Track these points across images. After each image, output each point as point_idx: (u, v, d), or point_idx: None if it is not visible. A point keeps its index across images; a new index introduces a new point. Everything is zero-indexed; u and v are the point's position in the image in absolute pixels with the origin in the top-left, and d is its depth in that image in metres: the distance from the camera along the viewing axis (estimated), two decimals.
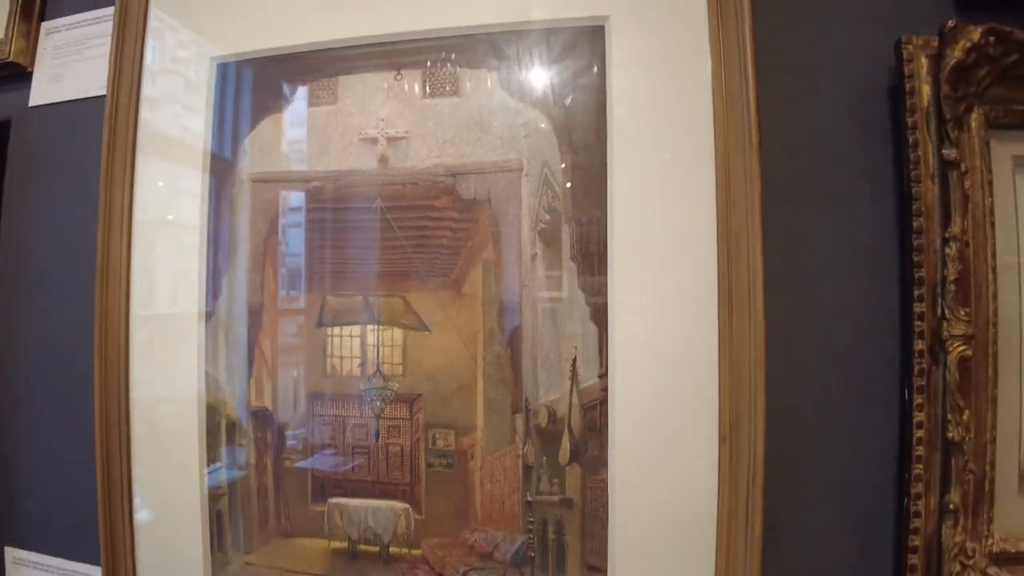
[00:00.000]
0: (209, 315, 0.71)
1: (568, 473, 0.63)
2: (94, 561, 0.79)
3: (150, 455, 0.74)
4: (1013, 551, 0.63)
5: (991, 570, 0.62)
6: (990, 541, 0.62)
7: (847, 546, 0.64)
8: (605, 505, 0.61)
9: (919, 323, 0.61)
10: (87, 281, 0.75)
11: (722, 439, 0.60)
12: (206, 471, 0.71)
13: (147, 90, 0.75)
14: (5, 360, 0.87)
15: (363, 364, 0.67)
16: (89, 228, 0.76)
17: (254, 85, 0.72)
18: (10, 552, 0.87)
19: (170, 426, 0.73)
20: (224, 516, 0.71)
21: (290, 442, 0.69)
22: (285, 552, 0.70)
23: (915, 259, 0.61)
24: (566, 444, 0.63)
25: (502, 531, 0.64)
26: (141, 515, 0.74)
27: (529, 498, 0.63)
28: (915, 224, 0.61)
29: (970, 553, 0.62)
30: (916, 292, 0.61)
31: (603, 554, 0.62)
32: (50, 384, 0.85)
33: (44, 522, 0.85)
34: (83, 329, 0.77)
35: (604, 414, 0.61)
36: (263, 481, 0.70)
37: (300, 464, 0.68)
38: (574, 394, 0.63)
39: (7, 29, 0.87)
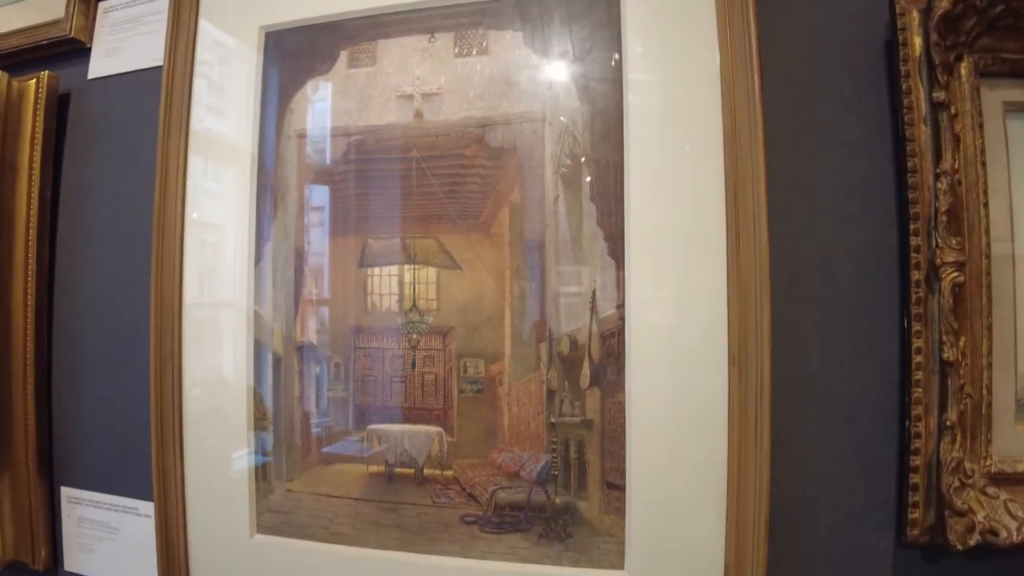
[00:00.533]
0: (258, 259, 0.77)
1: (588, 396, 0.68)
2: (146, 496, 0.86)
3: (200, 392, 0.80)
4: (1011, 471, 0.67)
5: (990, 489, 0.66)
6: (988, 462, 0.66)
7: (851, 463, 0.69)
8: (623, 425, 0.67)
9: (915, 255, 0.66)
10: (144, 234, 0.82)
11: (731, 359, 0.65)
12: (252, 405, 0.77)
13: (200, 56, 0.82)
14: (66, 316, 0.94)
15: (400, 300, 0.73)
16: (145, 185, 0.83)
17: (299, 50, 0.79)
18: (65, 491, 0.93)
19: (220, 364, 0.79)
20: (268, 446, 0.77)
21: (332, 374, 0.75)
22: (325, 478, 0.75)
23: (910, 196, 0.66)
24: (586, 369, 0.68)
25: (527, 451, 0.69)
26: (190, 449, 0.80)
27: (552, 420, 0.69)
28: (909, 164, 0.66)
29: (969, 472, 0.66)
30: (912, 226, 0.66)
31: (621, 471, 0.67)
32: (105, 337, 0.92)
33: (97, 464, 0.92)
34: (138, 285, 0.84)
35: (621, 341, 0.67)
36: (306, 411, 0.76)
37: (342, 394, 0.74)
38: (594, 324, 0.68)
39: (67, 8, 0.95)
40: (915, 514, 0.67)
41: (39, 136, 0.91)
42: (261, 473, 0.77)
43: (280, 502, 0.77)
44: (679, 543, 0.66)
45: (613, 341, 0.67)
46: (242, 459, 0.78)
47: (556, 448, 0.69)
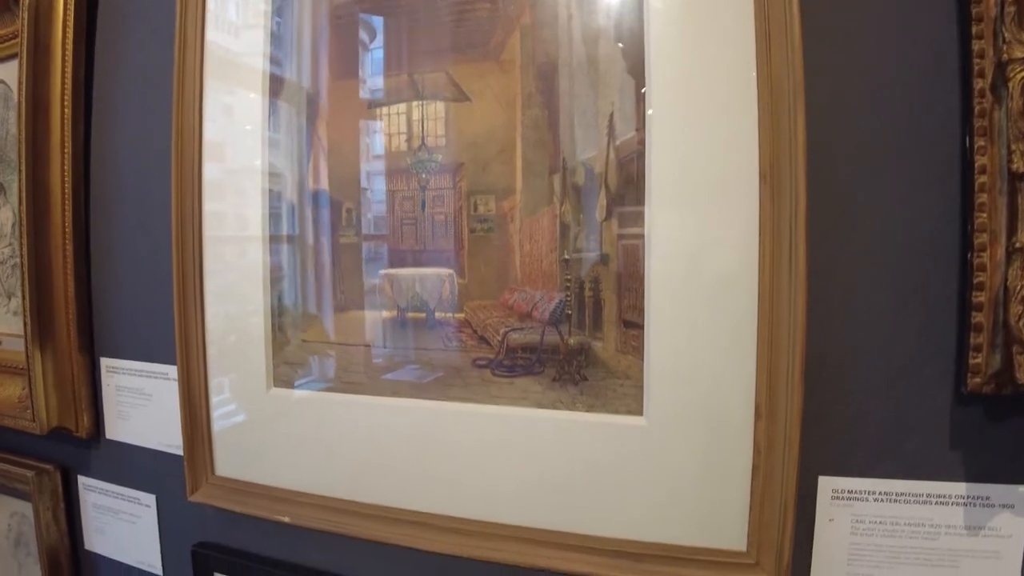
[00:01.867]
0: (272, 107, 0.76)
1: (604, 229, 0.64)
2: (171, 361, 0.88)
3: (220, 249, 0.80)
4: None
5: None
6: None
7: (902, 304, 0.61)
8: (642, 259, 0.62)
9: (978, 61, 0.58)
10: (166, 110, 0.83)
11: (762, 178, 0.59)
12: (268, 257, 0.76)
13: None
14: (102, 191, 0.97)
15: (409, 139, 0.70)
16: (169, 61, 0.84)
17: None
18: (104, 362, 0.97)
19: (238, 219, 0.79)
20: (283, 298, 0.77)
21: (344, 220, 0.73)
22: (340, 327, 0.74)
23: None
24: (603, 200, 0.64)
25: (540, 291, 0.66)
26: (211, 307, 0.81)
27: (566, 256, 0.65)
28: None
29: None
30: (974, 28, 0.58)
31: (640, 309, 0.62)
32: (136, 210, 0.94)
33: (133, 334, 0.95)
34: (166, 156, 0.85)
35: (641, 167, 0.62)
36: (320, 260, 0.75)
37: (354, 240, 0.73)
38: (611, 149, 0.63)
39: None
40: (977, 359, 0.59)
41: (71, 16, 0.94)
42: (277, 325, 0.77)
43: (295, 353, 0.77)
44: (703, 386, 0.61)
45: (632, 167, 0.62)
46: (258, 313, 0.78)
47: (570, 286, 0.65)
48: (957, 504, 0.61)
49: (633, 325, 0.63)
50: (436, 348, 0.69)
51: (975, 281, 0.59)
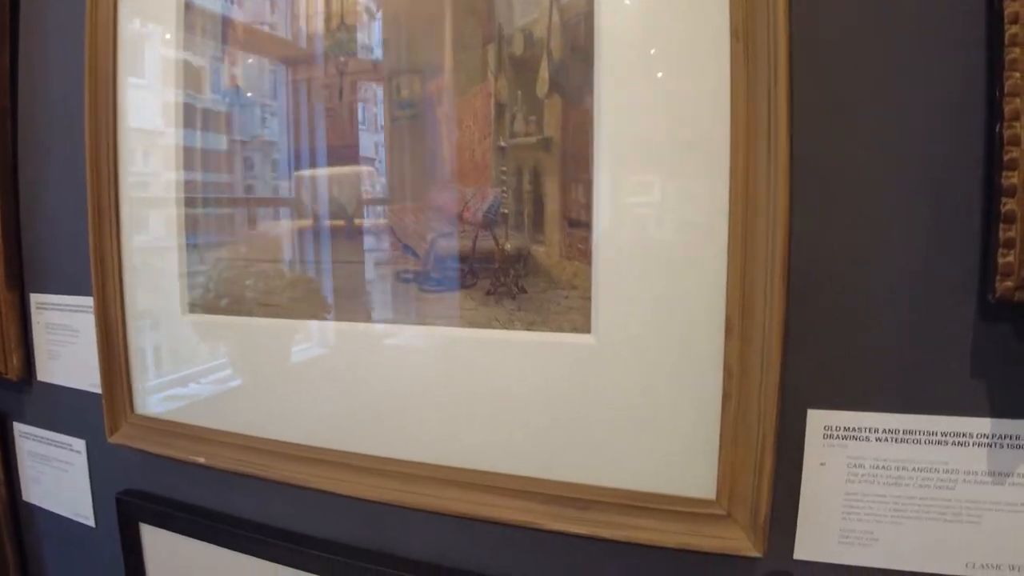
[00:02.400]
0: (188, 6, 0.67)
1: (547, 107, 0.53)
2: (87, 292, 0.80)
3: (134, 164, 0.72)
4: None
5: None
6: None
7: (912, 193, 0.49)
8: (590, 142, 0.51)
9: None
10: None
11: (734, 35, 0.47)
12: (182, 172, 0.67)
13: None
14: (29, 125, 0.89)
15: (328, 19, 0.60)
16: None
17: None
18: (34, 298, 0.90)
19: (152, 126, 0.70)
20: (197, 213, 0.68)
21: (260, 118, 0.64)
22: (254, 243, 0.65)
23: None
24: (544, 72, 0.53)
25: (472, 187, 0.55)
26: (126, 229, 0.73)
27: (502, 143, 0.54)
28: None
29: None
30: None
31: (587, 205, 0.51)
32: (63, 141, 0.86)
33: (60, 267, 0.87)
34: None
35: (589, 28, 0.50)
36: (232, 166, 0.65)
37: (268, 140, 0.63)
38: (554, 11, 0.52)
39: None
40: (1008, 256, 0.46)
41: None
42: (192, 244, 0.69)
43: (209, 275, 0.68)
44: (662, 296, 0.50)
45: (579, 31, 0.51)
46: (171, 231, 0.69)
47: (506, 179, 0.54)
48: (979, 445, 0.49)
49: (579, 224, 0.52)
50: (355, 261, 0.60)
51: (1006, 158, 0.46)
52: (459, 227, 0.56)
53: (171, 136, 0.68)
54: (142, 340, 0.73)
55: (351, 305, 0.60)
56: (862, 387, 0.51)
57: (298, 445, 0.64)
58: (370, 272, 0.59)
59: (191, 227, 0.68)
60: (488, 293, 0.55)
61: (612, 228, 0.51)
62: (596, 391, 0.52)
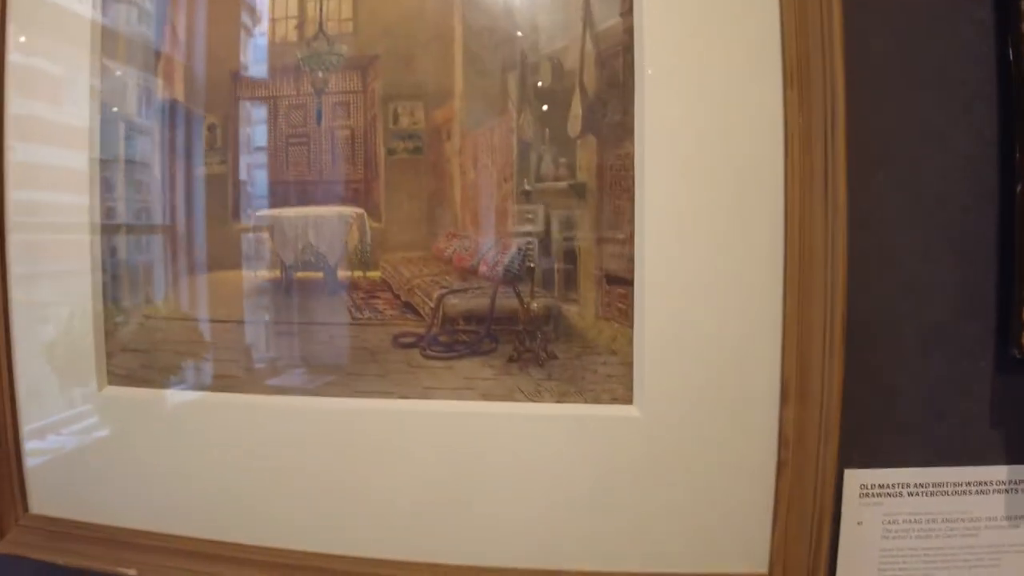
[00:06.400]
0: None
1: (580, 149, 0.46)
2: None
3: (27, 183, 0.55)
4: None
5: None
6: None
7: (937, 253, 0.48)
8: (631, 190, 0.45)
9: None
10: None
11: (787, 80, 0.44)
12: (97, 198, 0.52)
13: None
14: None
15: (301, 25, 0.49)
16: None
17: None
18: None
19: (55, 139, 0.54)
20: (118, 256, 0.53)
21: (207, 141, 0.51)
22: (199, 295, 0.52)
23: None
24: (577, 108, 0.46)
25: (490, 236, 0.47)
26: (15, 268, 0.55)
27: (527, 187, 0.46)
28: None
29: None
30: None
31: (629, 259, 0.45)
32: None
33: None
34: None
35: (629, 64, 0.44)
36: (172, 199, 0.52)
37: (219, 169, 0.50)
38: (587, 39, 0.45)
39: None
40: None
41: None
42: (111, 297, 0.53)
43: (138, 335, 0.53)
44: (714, 361, 0.45)
45: (616, 64, 0.45)
46: (83, 277, 0.53)
47: (532, 229, 0.47)
48: (998, 491, 0.50)
49: (619, 281, 0.46)
50: (340, 322, 0.49)
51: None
52: (474, 282, 0.47)
53: (79, 146, 0.52)
54: (40, 420, 0.56)
55: (331, 376, 0.49)
56: (894, 443, 0.50)
57: (264, 548, 0.51)
58: (358, 335, 0.49)
59: (108, 267, 0.53)
60: (511, 360, 0.47)
61: (658, 286, 0.45)
62: (638, 467, 0.46)
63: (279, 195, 0.50)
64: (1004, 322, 0.49)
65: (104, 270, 0.52)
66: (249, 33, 0.50)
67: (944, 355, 0.49)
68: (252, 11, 0.50)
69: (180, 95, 0.51)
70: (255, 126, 0.49)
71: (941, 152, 0.48)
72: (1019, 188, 0.47)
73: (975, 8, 0.47)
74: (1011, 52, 0.48)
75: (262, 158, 0.50)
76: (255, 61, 0.49)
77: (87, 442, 0.56)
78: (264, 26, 0.49)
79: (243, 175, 0.50)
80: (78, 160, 0.52)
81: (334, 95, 0.48)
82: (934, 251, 0.48)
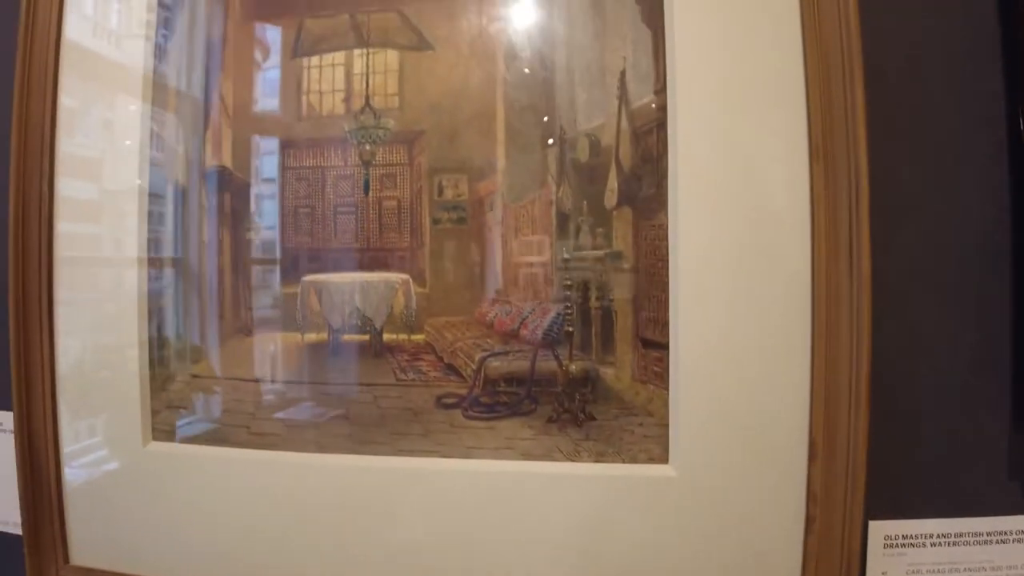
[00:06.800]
0: (159, 53, 0.54)
1: (616, 220, 0.49)
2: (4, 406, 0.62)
3: (75, 249, 0.57)
4: None
5: None
6: None
7: (957, 315, 0.51)
8: (665, 259, 0.47)
9: None
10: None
11: (813, 155, 0.47)
12: (146, 257, 0.54)
13: None
14: None
15: (348, 99, 0.52)
16: None
17: None
18: None
19: (103, 205, 0.56)
20: (166, 316, 0.55)
21: (254, 208, 0.53)
22: (244, 356, 0.54)
23: None
24: (613, 182, 0.49)
25: (530, 302, 0.50)
26: (63, 329, 0.57)
27: (566, 255, 0.49)
28: None
29: None
30: None
31: (663, 323, 0.48)
32: None
33: None
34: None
35: (663, 140, 0.47)
36: (220, 262, 0.54)
37: (267, 234, 0.53)
38: (623, 117, 0.48)
39: None
40: None
41: None
42: (157, 356, 0.55)
43: (183, 394, 0.55)
44: (746, 421, 0.48)
45: (650, 140, 0.48)
46: (131, 336, 0.55)
47: (571, 295, 0.49)
48: (1018, 541, 0.52)
49: (655, 345, 0.48)
50: (385, 383, 0.51)
51: None
52: (515, 346, 0.50)
53: (129, 213, 0.55)
54: (83, 472, 0.57)
55: (376, 435, 0.51)
56: (915, 496, 0.52)
57: None
58: (402, 396, 0.51)
59: (155, 326, 0.55)
60: (550, 420, 0.49)
61: (691, 350, 0.47)
62: (673, 526, 0.48)
63: (327, 261, 0.52)
64: (1020, 378, 0.51)
65: (152, 337, 0.55)
66: (297, 105, 0.53)
67: (964, 411, 0.51)
68: (300, 85, 0.53)
69: (227, 161, 0.54)
70: (301, 195, 0.52)
71: (958, 215, 0.51)
72: None
73: (987, 80, 0.51)
74: (1022, 120, 0.51)
75: (311, 224, 0.52)
76: (303, 132, 0.52)
77: (131, 494, 0.57)
78: (313, 99, 0.52)
79: (289, 241, 0.52)
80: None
81: (381, 167, 0.51)
82: (953, 311, 0.51)
